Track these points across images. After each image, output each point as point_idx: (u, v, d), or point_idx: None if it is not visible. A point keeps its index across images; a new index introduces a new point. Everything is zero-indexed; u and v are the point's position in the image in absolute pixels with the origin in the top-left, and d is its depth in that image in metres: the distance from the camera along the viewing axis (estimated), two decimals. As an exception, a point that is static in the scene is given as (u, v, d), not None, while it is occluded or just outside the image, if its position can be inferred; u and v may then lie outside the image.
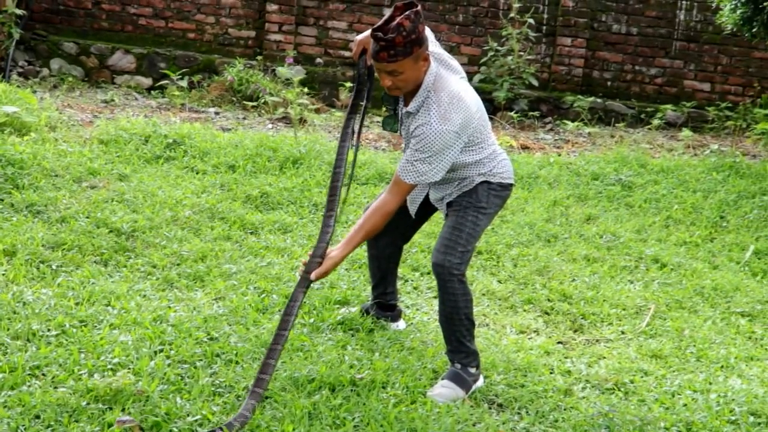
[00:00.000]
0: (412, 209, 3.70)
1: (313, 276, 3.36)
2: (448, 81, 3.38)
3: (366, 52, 3.58)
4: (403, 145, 3.57)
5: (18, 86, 7.24)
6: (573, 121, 9.05)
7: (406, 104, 3.46)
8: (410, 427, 3.02)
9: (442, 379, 3.43)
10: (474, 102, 3.40)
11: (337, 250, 3.40)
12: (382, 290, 3.95)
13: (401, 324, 4.00)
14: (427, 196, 3.67)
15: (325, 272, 3.38)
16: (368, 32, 3.42)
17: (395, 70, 3.26)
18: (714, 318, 4.49)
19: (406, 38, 3.20)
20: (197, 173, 5.92)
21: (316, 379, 3.31)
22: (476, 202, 3.46)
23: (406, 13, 3.21)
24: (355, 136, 3.61)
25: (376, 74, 3.47)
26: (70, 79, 8.87)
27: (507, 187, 3.55)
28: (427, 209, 3.74)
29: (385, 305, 3.97)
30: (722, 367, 3.90)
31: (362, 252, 4.80)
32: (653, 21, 9.66)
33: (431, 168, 3.30)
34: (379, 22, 3.24)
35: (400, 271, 4.62)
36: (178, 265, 4.44)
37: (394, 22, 3.20)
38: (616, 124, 9.00)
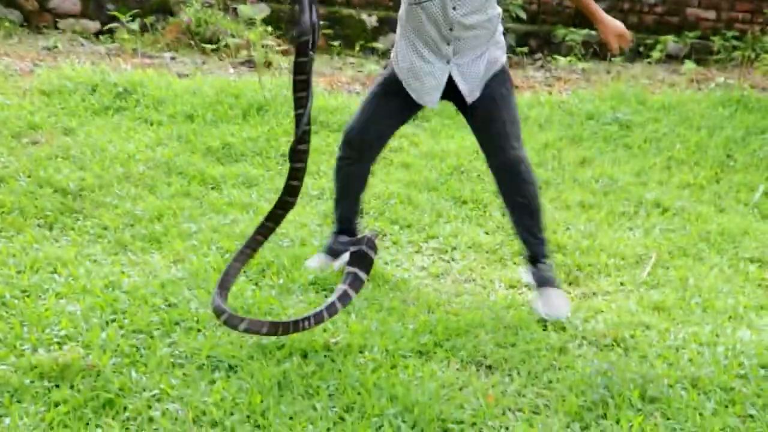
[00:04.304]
0: (434, 97, 3.76)
1: None
2: None
3: None
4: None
5: (-51, 34, 7.10)
6: (565, 56, 8.98)
7: None
8: (391, 393, 2.99)
9: (543, 285, 3.83)
10: None
11: None
12: (352, 207, 4.08)
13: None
14: (447, 89, 3.74)
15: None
16: None
17: None
18: (721, 265, 4.48)
19: None
20: (151, 124, 5.83)
21: (285, 345, 3.27)
22: (509, 86, 3.80)
23: None
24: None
25: None
26: (7, 24, 8.68)
27: None
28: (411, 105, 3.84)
29: (352, 229, 4.09)
30: (730, 317, 3.89)
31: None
32: (651, -57, 9.55)
33: None
34: None
35: (377, 225, 4.60)
36: (131, 226, 4.37)
37: None
38: (612, 59, 8.94)
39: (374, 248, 3.17)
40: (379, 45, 9.04)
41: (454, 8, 3.61)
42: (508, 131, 3.74)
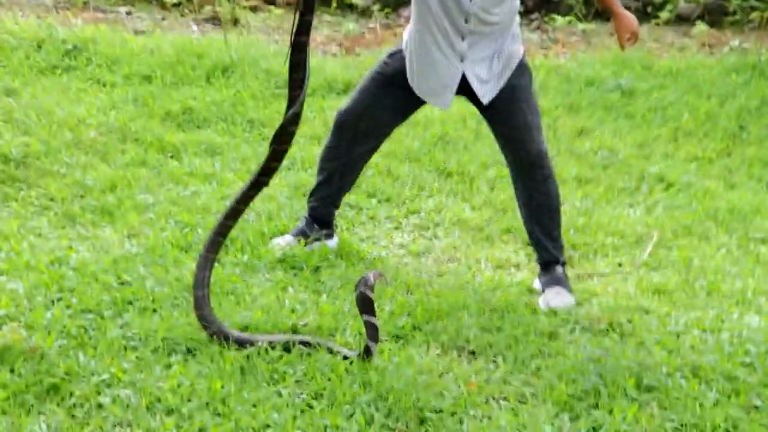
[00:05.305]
0: (446, 98, 3.82)
1: None
2: None
3: None
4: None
5: None
6: (564, 16, 9.01)
7: None
8: (363, 380, 3.03)
9: (552, 285, 3.84)
10: None
11: None
12: (332, 201, 4.11)
13: (335, 241, 4.18)
14: (461, 86, 3.78)
15: None
16: None
17: None
18: (729, 245, 4.55)
19: None
20: (104, 86, 5.83)
21: (249, 327, 3.31)
22: (528, 76, 3.87)
23: None
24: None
25: None
26: (-56, -27, 8.63)
27: None
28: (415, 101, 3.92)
29: (327, 222, 4.12)
30: (737, 302, 3.96)
31: (307, 177, 4.79)
32: None
33: None
34: None
35: (353, 199, 4.64)
36: (81, 197, 4.39)
37: None
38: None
39: (372, 289, 3.18)
40: (358, 1, 9.04)
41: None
42: (530, 124, 3.81)
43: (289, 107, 3.19)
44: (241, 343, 3.17)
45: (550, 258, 3.93)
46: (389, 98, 3.92)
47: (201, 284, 3.25)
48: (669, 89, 6.71)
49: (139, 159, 4.88)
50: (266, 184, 3.31)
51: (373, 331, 3.15)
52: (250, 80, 6.09)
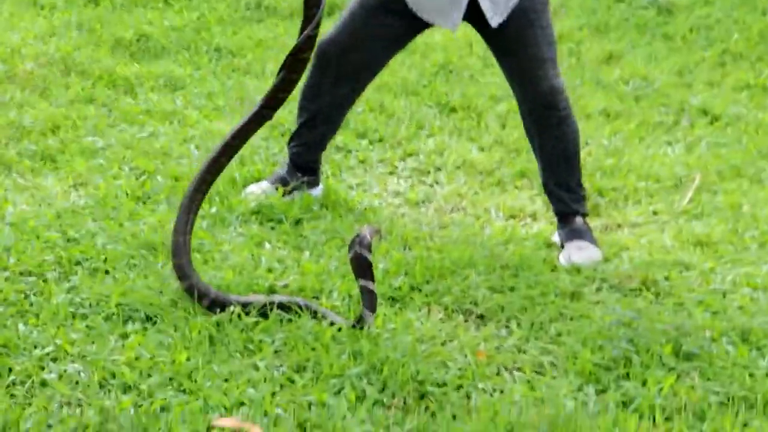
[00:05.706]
0: (454, 16, 3.76)
1: None
2: None
3: None
4: None
5: None
6: None
7: None
8: (354, 349, 3.04)
9: (574, 238, 3.86)
10: None
11: None
12: (317, 146, 4.11)
13: (320, 189, 4.21)
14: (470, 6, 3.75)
15: None
16: None
17: None
18: (785, 189, 4.57)
19: None
20: (43, 8, 5.84)
21: (220, 289, 3.32)
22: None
23: None
24: None
25: None
26: None
27: None
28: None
29: (312, 168, 4.13)
30: (795, 255, 3.99)
31: (286, 115, 4.79)
32: None
33: None
34: None
35: (340, 140, 4.64)
36: (17, 140, 4.40)
37: None
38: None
39: (369, 248, 3.18)
40: None
41: None
42: (545, 55, 3.79)
43: (303, 28, 3.19)
44: (221, 305, 3.19)
45: (567, 210, 3.95)
46: (383, 25, 3.88)
47: (183, 229, 3.26)
48: (715, 5, 6.68)
49: (85, 95, 4.89)
50: (270, 117, 3.34)
51: (370, 299, 3.16)
52: (216, 1, 6.06)
